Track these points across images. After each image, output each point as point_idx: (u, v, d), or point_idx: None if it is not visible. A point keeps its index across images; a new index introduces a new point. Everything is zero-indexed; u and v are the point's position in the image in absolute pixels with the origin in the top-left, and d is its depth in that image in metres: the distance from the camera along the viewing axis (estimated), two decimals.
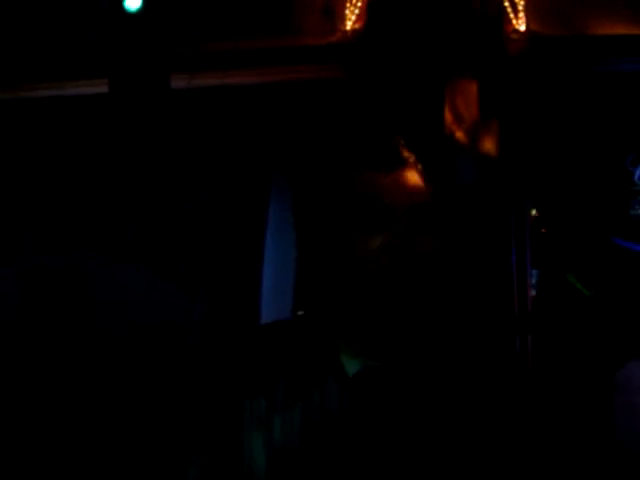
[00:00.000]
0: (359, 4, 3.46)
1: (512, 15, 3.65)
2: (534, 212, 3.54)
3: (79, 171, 3.28)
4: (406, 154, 1.14)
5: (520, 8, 3.65)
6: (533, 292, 3.32)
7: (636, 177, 3.81)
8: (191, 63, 3.28)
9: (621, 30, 3.62)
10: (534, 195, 3.53)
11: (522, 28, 3.67)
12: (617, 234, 3.66)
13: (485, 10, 3.54)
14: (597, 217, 3.74)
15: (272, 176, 3.25)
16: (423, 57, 3.25)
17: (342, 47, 3.41)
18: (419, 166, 1.15)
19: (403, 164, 1.12)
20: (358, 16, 3.45)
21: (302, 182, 1.19)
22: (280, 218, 3.21)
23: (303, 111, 3.43)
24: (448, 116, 3.26)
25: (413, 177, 1.11)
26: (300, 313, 1.29)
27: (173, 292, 2.92)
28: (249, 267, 3.16)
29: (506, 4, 3.61)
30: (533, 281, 3.38)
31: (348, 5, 3.48)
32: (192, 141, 3.18)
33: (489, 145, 3.39)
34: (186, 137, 3.18)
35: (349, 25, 3.44)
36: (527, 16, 3.65)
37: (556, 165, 3.63)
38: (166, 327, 2.81)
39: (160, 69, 3.04)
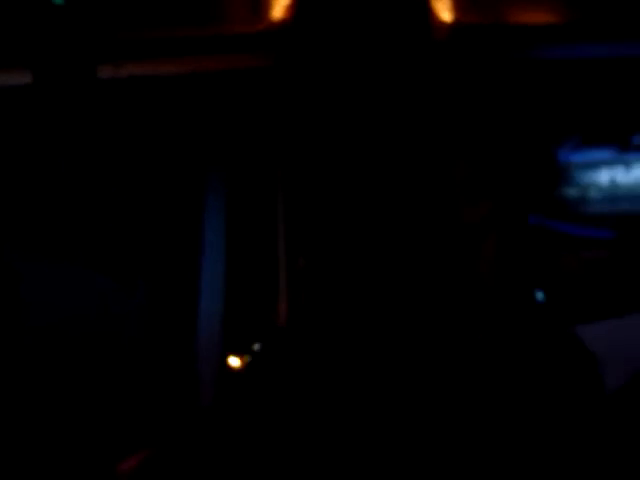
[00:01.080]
0: None
1: (437, 4, 3.74)
2: None
3: (3, 164, 3.18)
4: None
5: None
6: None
7: (560, 158, 3.96)
8: (117, 52, 3.21)
9: (542, 19, 3.75)
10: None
11: (447, 17, 3.76)
12: (544, 214, 3.80)
13: None
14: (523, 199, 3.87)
15: (208, 168, 3.23)
16: (353, 45, 3.28)
17: (271, 35, 3.40)
18: None
19: None
20: (288, 4, 3.45)
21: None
22: (217, 213, 3.19)
23: (235, 102, 3.41)
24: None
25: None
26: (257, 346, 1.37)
27: (108, 286, 2.86)
28: (187, 260, 3.14)
29: None
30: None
31: None
32: (122, 133, 3.12)
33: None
34: (116, 129, 3.12)
35: (278, 13, 3.44)
36: (452, 5, 3.74)
37: (481, 148, 3.73)
38: (102, 322, 2.75)
39: (86, 58, 2.97)
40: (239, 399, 1.23)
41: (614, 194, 3.90)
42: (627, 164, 3.90)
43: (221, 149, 3.28)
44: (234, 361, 2.95)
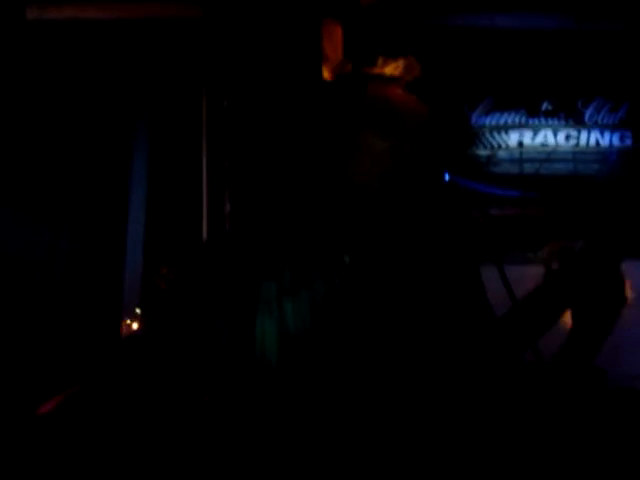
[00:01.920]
0: None
1: None
2: None
3: None
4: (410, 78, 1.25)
5: None
6: None
7: (472, 120, 4.15)
8: None
9: None
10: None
11: None
12: (457, 173, 3.98)
13: None
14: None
15: (133, 110, 3.24)
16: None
17: None
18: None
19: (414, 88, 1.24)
20: None
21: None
22: (144, 159, 3.22)
23: (162, 51, 3.43)
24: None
25: (411, 97, 1.23)
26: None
27: (35, 227, 2.88)
28: (114, 201, 3.16)
29: None
30: None
31: None
32: (49, 76, 3.10)
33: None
34: (43, 72, 3.10)
35: None
36: None
37: None
38: (30, 263, 2.78)
39: None
40: (164, 316, 1.22)
41: (521, 156, 4.13)
42: (535, 128, 4.14)
43: (147, 85, 3.28)
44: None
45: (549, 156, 4.16)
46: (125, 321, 2.88)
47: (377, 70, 1.25)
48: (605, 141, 4.20)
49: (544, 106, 4.17)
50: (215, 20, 3.46)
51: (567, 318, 1.26)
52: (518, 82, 4.09)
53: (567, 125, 4.18)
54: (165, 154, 3.38)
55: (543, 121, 4.18)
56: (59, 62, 3.14)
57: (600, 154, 4.18)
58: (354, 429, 1.08)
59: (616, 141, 4.20)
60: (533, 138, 4.17)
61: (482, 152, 4.16)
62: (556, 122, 4.17)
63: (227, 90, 3.57)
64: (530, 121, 4.18)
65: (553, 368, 1.24)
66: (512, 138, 4.16)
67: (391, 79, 1.23)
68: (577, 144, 4.17)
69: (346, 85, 1.26)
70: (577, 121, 4.18)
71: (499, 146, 4.17)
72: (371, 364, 1.10)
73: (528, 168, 4.16)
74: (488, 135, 4.16)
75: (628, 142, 4.21)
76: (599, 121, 4.18)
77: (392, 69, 1.25)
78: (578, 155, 4.17)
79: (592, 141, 4.19)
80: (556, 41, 4.05)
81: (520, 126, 4.17)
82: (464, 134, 4.12)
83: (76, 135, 3.13)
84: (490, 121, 4.16)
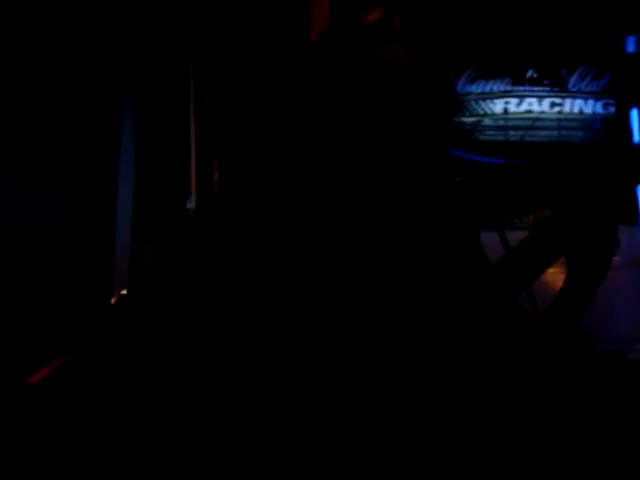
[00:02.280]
0: None
1: None
2: None
3: None
4: (398, 31, 1.26)
5: None
6: None
7: (458, 88, 4.18)
8: None
9: None
10: None
11: None
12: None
13: None
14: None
15: (123, 82, 3.23)
16: None
17: None
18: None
19: (397, 39, 1.24)
20: None
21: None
22: (132, 128, 3.22)
23: (149, 20, 3.41)
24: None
25: (403, 52, 1.24)
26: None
27: (25, 197, 2.89)
28: (103, 172, 3.17)
29: None
30: None
31: None
32: (37, 44, 3.07)
33: None
34: (30, 39, 3.08)
35: None
36: None
37: None
38: (19, 233, 2.79)
39: None
40: (152, 284, 1.22)
41: (507, 124, 4.18)
42: (520, 96, 4.17)
43: (134, 55, 3.27)
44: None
45: (534, 123, 4.20)
46: (115, 290, 2.92)
47: (358, 21, 1.24)
48: (589, 109, 4.24)
49: (529, 74, 4.20)
50: None
51: (560, 272, 1.29)
52: (503, 50, 4.12)
53: (552, 92, 4.21)
54: (153, 123, 3.39)
55: (528, 88, 4.21)
56: (45, 29, 3.11)
57: (584, 121, 4.23)
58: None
59: (599, 109, 4.25)
60: (518, 105, 4.21)
61: (468, 119, 4.20)
62: (541, 90, 4.20)
63: (214, 59, 3.58)
64: (515, 89, 4.21)
65: (547, 316, 1.27)
66: (497, 105, 4.20)
67: (373, 32, 1.22)
68: (561, 111, 4.21)
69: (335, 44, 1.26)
70: (561, 89, 4.21)
71: (485, 113, 4.20)
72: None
73: (513, 135, 4.20)
74: (473, 103, 4.20)
75: (611, 110, 4.25)
76: (583, 89, 4.22)
77: (370, 18, 1.23)
78: (562, 122, 4.21)
79: (576, 109, 4.23)
80: (540, 9, 4.06)
81: (505, 94, 4.20)
82: (449, 102, 4.15)
83: (65, 104, 3.12)
84: (476, 89, 4.18)
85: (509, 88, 4.21)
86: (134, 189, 3.20)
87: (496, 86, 4.20)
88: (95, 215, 3.09)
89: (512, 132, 4.21)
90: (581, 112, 4.23)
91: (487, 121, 4.21)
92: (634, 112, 4.21)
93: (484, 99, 4.20)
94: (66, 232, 2.93)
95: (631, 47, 4.12)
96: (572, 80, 4.21)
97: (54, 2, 3.10)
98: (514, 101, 4.21)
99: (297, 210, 1.15)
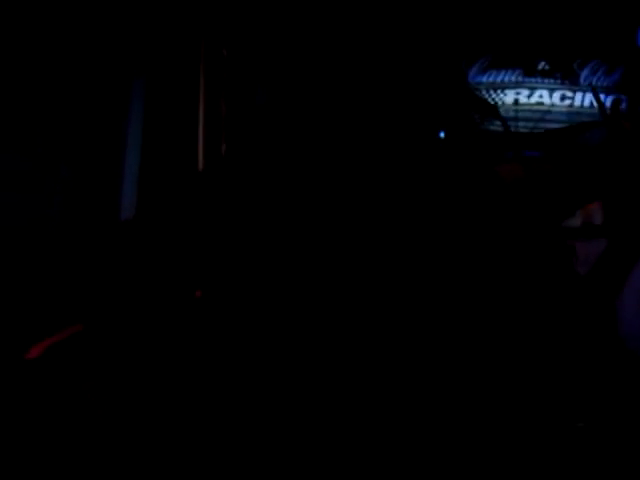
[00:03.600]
0: None
1: None
2: None
3: None
4: None
5: None
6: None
7: (470, 77, 4.19)
8: None
9: None
10: None
11: None
12: (452, 130, 3.99)
13: None
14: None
15: (135, 59, 3.22)
16: None
17: None
18: None
19: None
20: None
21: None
22: (141, 99, 3.22)
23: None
24: None
25: None
26: None
27: (37, 154, 2.89)
28: (112, 137, 3.16)
29: None
30: None
31: None
32: (49, 22, 3.09)
33: None
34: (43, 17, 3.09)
35: None
36: None
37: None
38: (25, 207, 2.78)
39: None
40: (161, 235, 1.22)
41: (517, 115, 4.17)
42: (531, 87, 4.18)
43: (146, 32, 3.27)
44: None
45: (544, 115, 4.19)
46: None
47: None
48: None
49: (541, 65, 4.21)
50: None
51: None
52: (515, 41, 4.13)
53: (563, 85, 4.22)
54: (163, 96, 3.39)
55: (539, 80, 4.22)
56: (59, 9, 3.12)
57: (594, 116, 4.22)
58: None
59: (610, 104, 4.23)
60: (529, 97, 4.22)
61: (479, 110, 4.20)
62: (552, 82, 4.21)
63: (227, 40, 3.59)
64: (527, 80, 4.22)
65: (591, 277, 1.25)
66: (508, 96, 4.21)
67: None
68: (572, 104, 4.21)
69: None
70: (573, 82, 4.22)
71: (495, 104, 4.20)
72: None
73: (523, 126, 4.19)
74: (485, 93, 4.20)
75: (622, 105, 4.24)
76: (594, 83, 4.21)
77: None
78: (573, 116, 4.20)
79: (586, 102, 4.23)
80: (554, 2, 4.07)
81: (517, 85, 4.21)
82: (462, 92, 4.15)
83: (77, 72, 3.13)
84: (487, 79, 4.19)
85: (520, 79, 4.22)
86: (141, 156, 3.19)
87: (507, 77, 4.21)
88: (103, 176, 3.09)
89: (522, 123, 4.20)
90: (592, 106, 4.23)
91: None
92: None
93: (495, 89, 4.21)
94: (75, 190, 2.92)
95: None
96: (584, 74, 4.21)
97: None
98: (525, 92, 4.22)
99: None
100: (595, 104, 4.19)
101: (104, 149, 3.20)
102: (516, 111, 4.22)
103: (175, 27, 3.52)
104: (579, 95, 4.24)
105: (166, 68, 3.49)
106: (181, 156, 3.47)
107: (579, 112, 4.24)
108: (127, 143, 3.27)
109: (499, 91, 4.24)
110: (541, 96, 4.23)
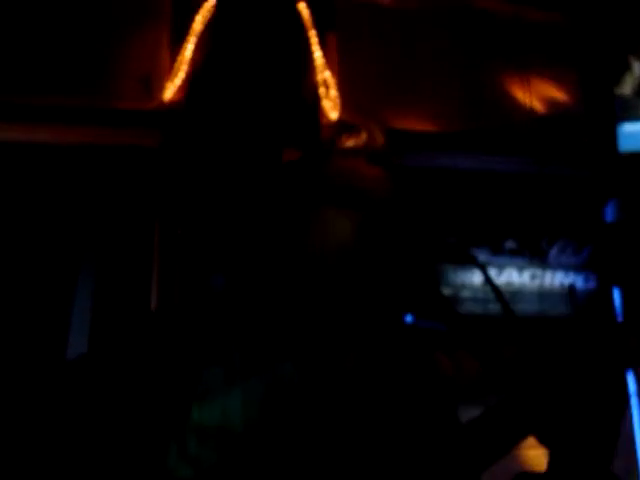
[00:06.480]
0: (180, 77, 3.52)
1: (326, 106, 3.94)
2: None
3: None
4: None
5: (332, 101, 3.94)
6: None
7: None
8: None
9: (417, 126, 3.99)
10: None
11: (334, 117, 3.96)
12: (417, 313, 3.83)
13: (304, 99, 3.83)
14: None
15: (84, 240, 3.13)
16: (249, 130, 3.36)
17: (158, 115, 3.41)
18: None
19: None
20: (178, 88, 3.50)
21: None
22: (90, 282, 3.08)
23: (114, 177, 3.35)
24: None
25: (375, 169, 1.19)
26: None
27: None
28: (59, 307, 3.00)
29: (322, 95, 3.91)
30: None
31: (169, 77, 3.53)
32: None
33: None
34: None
35: (168, 95, 3.47)
36: (339, 108, 3.95)
37: None
38: None
39: None
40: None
41: (486, 296, 4.01)
42: (499, 267, 4.05)
43: (98, 208, 3.21)
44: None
45: (515, 296, 4.05)
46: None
47: (340, 145, 1.24)
48: (570, 282, 4.12)
49: (508, 244, 4.12)
50: (172, 150, 3.42)
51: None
52: (480, 221, 4.06)
53: (532, 264, 4.11)
54: (114, 278, 3.24)
55: (508, 259, 4.11)
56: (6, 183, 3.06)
57: (566, 295, 4.08)
58: None
59: (580, 283, 4.13)
60: (498, 276, 4.08)
61: (445, 291, 4.04)
62: (521, 261, 4.10)
63: (181, 219, 3.48)
64: (494, 259, 4.10)
65: None
66: (476, 277, 4.06)
67: (354, 151, 1.21)
68: (542, 284, 4.08)
69: (307, 163, 1.22)
70: (542, 260, 4.11)
71: (462, 285, 4.06)
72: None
73: (493, 308, 4.02)
74: (451, 273, 4.07)
75: (592, 284, 4.13)
76: (563, 262, 4.12)
77: (354, 141, 1.21)
78: (544, 296, 4.07)
79: (557, 282, 4.11)
80: (518, 183, 4.07)
81: (484, 264, 4.09)
82: (427, 272, 4.02)
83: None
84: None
85: (488, 258, 4.10)
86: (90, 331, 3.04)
87: (475, 256, 4.10)
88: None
89: (492, 305, 4.04)
90: (562, 286, 4.10)
91: (465, 293, 4.05)
92: (616, 291, 4.08)
93: (462, 269, 4.07)
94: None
95: (610, 216, 4.08)
96: (552, 252, 4.12)
97: None
98: (494, 272, 4.09)
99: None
100: (566, 285, 4.09)
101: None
102: (485, 292, 4.07)
103: (128, 209, 3.42)
104: (549, 274, 4.12)
105: (118, 251, 3.34)
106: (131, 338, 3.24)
107: (550, 292, 4.10)
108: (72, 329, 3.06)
109: (466, 271, 4.11)
110: (510, 275, 4.10)
